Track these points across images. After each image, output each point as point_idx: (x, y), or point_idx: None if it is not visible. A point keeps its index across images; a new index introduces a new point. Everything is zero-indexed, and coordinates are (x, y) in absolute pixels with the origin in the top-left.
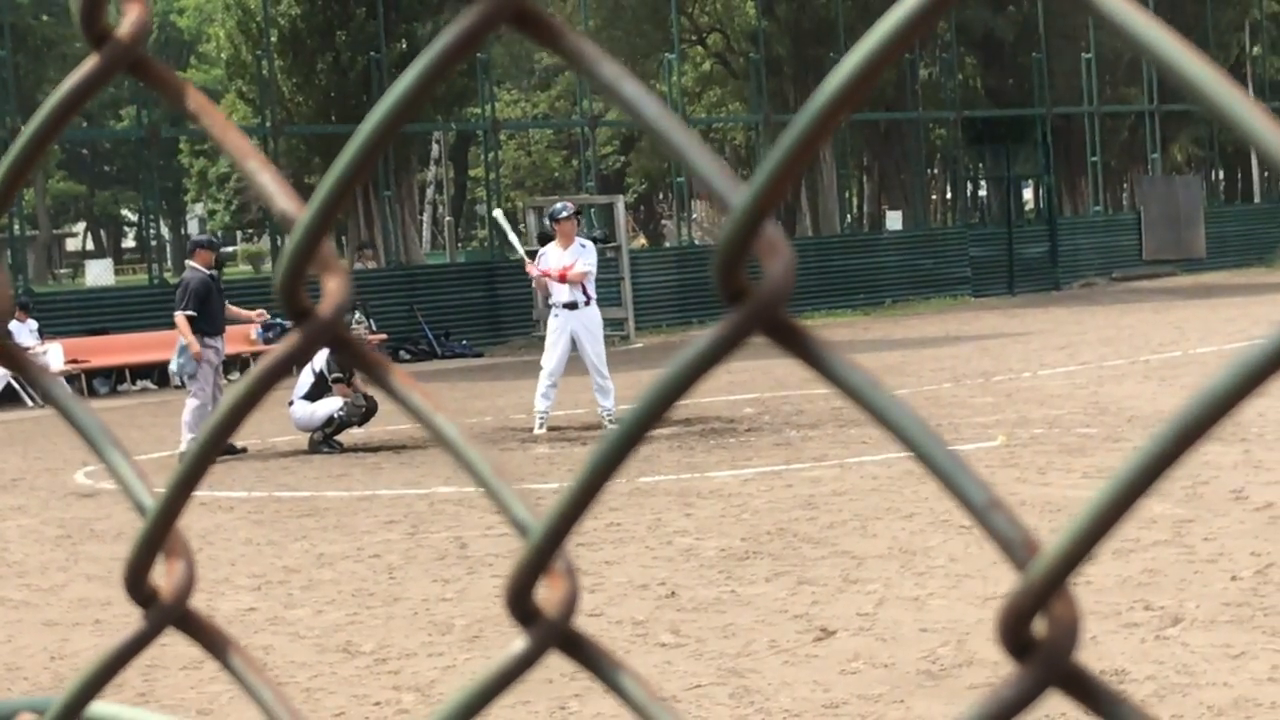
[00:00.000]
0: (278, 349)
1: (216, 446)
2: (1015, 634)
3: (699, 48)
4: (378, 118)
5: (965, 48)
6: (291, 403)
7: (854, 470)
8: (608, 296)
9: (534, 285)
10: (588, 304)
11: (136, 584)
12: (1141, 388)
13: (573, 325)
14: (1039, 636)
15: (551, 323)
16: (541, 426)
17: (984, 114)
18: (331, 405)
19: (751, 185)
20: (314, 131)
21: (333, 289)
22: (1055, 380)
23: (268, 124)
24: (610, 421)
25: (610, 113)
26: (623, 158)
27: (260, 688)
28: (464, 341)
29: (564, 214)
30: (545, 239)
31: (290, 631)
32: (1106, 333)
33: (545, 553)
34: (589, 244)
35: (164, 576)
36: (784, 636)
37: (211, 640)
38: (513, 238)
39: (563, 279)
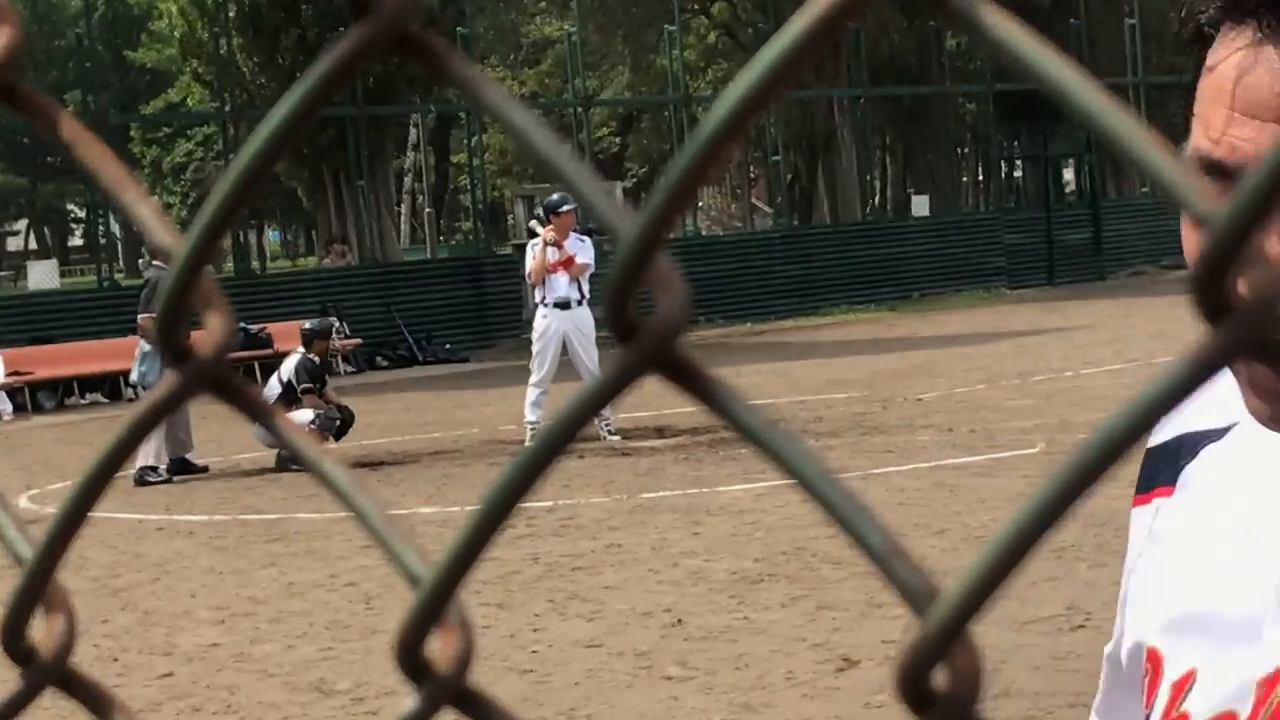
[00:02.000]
0: (153, 394)
1: (91, 501)
2: (914, 687)
3: (703, 18)
4: (245, 160)
5: None
6: None
7: (878, 482)
8: (604, 294)
9: (531, 277)
10: (581, 303)
11: (13, 640)
12: None
13: (565, 326)
14: (939, 689)
15: (539, 324)
16: (533, 439)
17: (1018, 87)
18: (301, 418)
19: (640, 216)
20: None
21: (215, 327)
22: (1100, 380)
23: (226, 108)
24: (609, 433)
25: (606, 90)
26: (620, 139)
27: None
28: (447, 345)
29: (564, 207)
30: (531, 233)
31: (258, 669)
32: (1157, 327)
33: (437, 604)
34: (587, 238)
35: (43, 632)
36: (802, 667)
37: (96, 702)
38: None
39: (567, 267)
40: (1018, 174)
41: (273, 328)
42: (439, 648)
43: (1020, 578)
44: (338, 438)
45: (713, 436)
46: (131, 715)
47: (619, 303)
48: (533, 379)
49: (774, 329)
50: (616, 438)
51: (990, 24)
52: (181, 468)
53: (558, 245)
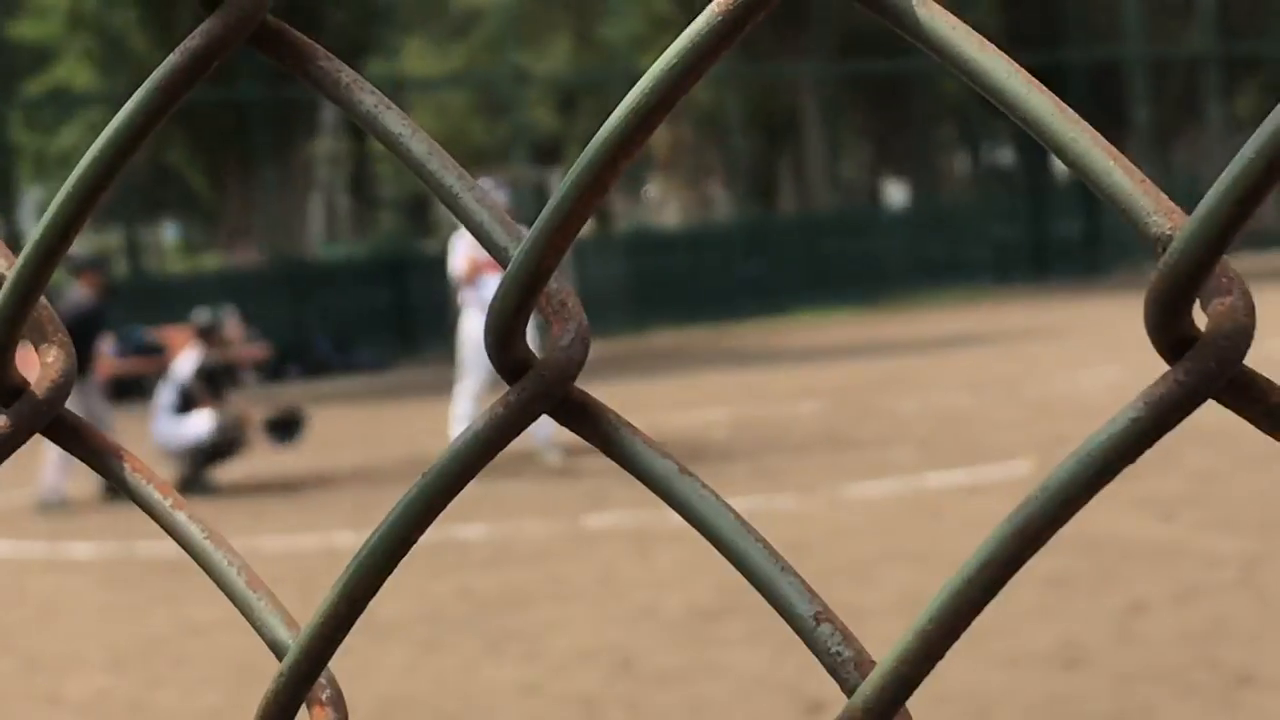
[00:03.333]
0: None
1: None
2: None
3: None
4: (89, 161)
5: None
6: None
7: (850, 504)
8: None
9: (459, 277)
10: None
11: None
12: None
13: None
14: None
15: (467, 327)
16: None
17: None
18: (200, 425)
19: (526, 242)
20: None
21: (50, 363)
22: (1097, 389)
23: (118, 89)
24: (551, 454)
25: (544, 65)
26: (560, 120)
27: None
28: (367, 353)
29: (496, 195)
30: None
31: (154, 718)
32: None
33: (301, 683)
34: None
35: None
36: (766, 712)
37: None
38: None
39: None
40: (1005, 158)
41: (173, 333)
42: None
43: (1007, 607)
44: (287, 439)
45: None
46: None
47: (504, 337)
48: (460, 388)
49: (734, 332)
50: (555, 456)
51: (922, 16)
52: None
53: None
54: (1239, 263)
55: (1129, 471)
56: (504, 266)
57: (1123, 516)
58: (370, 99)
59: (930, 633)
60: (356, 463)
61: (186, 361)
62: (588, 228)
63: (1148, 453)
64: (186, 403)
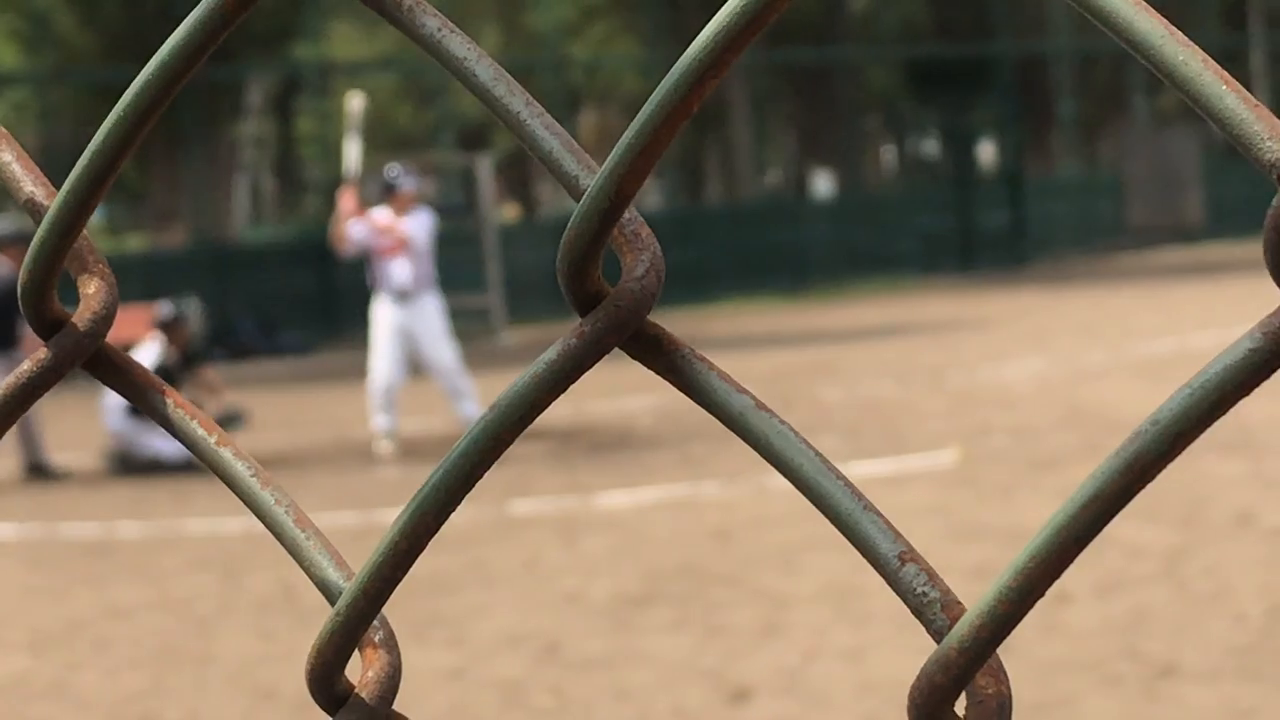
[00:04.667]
0: (21, 369)
1: None
2: (931, 717)
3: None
4: (143, 81)
5: None
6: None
7: (775, 493)
8: (469, 280)
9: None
10: (421, 292)
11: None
12: (1127, 387)
13: (404, 321)
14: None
15: (377, 311)
16: (387, 446)
17: (932, 52)
18: (165, 446)
19: (606, 165)
20: (101, 78)
21: (92, 294)
22: (1022, 379)
23: (43, 68)
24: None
25: None
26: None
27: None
28: (292, 336)
29: (402, 183)
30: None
31: (76, 700)
32: (1084, 320)
33: (356, 624)
34: (425, 213)
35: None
36: (691, 699)
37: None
38: (351, 142)
39: (397, 250)
40: (931, 149)
41: None
42: (360, 671)
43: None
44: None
45: (592, 439)
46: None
47: (578, 268)
48: (372, 375)
49: (660, 320)
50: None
51: None
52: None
53: (383, 228)
54: (1166, 256)
55: (1052, 461)
56: (574, 196)
57: (1046, 508)
58: (433, 22)
59: (1031, 570)
60: (280, 446)
61: (144, 357)
62: (514, 213)
63: (1074, 443)
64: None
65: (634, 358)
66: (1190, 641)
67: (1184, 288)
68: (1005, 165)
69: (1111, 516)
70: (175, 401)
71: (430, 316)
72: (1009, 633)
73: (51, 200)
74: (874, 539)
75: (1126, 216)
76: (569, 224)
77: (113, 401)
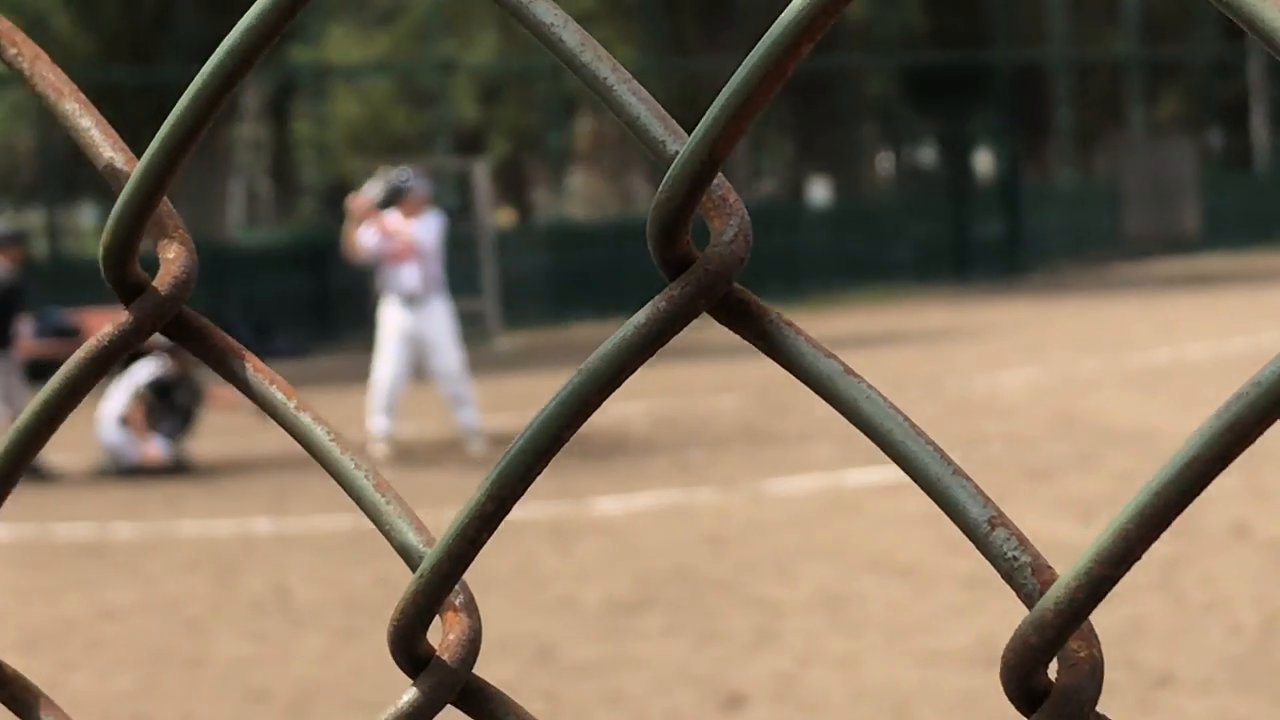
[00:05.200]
0: (102, 332)
1: (20, 462)
2: (1024, 681)
3: None
4: (229, 46)
5: None
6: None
7: (770, 499)
8: (464, 285)
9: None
10: (431, 297)
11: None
12: (1121, 398)
13: (412, 327)
14: (1053, 683)
15: (383, 316)
16: (382, 449)
17: (930, 60)
18: (153, 450)
19: (699, 128)
20: (99, 80)
21: (172, 259)
22: (1016, 388)
23: None
24: (474, 443)
25: (467, 55)
26: (484, 111)
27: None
28: (286, 339)
29: (411, 188)
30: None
31: (68, 700)
32: (1078, 330)
33: (439, 587)
34: (436, 219)
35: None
36: (684, 705)
37: (18, 694)
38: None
39: (406, 256)
40: (928, 158)
41: (91, 316)
42: (440, 635)
43: (926, 605)
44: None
45: (586, 444)
46: (57, 709)
47: (668, 232)
48: (376, 377)
49: None
50: (479, 445)
51: None
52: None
53: (392, 231)
54: (1161, 266)
55: (1046, 470)
56: (664, 161)
57: (1043, 517)
58: None
59: (1130, 532)
60: (274, 450)
61: (141, 372)
62: (509, 218)
63: (1068, 453)
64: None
65: (721, 322)
66: (1185, 652)
67: (1180, 298)
68: (1001, 174)
69: (1211, 479)
70: (254, 366)
71: (439, 321)
72: (1105, 595)
73: (130, 166)
74: (964, 504)
75: (1122, 226)
76: (659, 188)
77: (107, 412)
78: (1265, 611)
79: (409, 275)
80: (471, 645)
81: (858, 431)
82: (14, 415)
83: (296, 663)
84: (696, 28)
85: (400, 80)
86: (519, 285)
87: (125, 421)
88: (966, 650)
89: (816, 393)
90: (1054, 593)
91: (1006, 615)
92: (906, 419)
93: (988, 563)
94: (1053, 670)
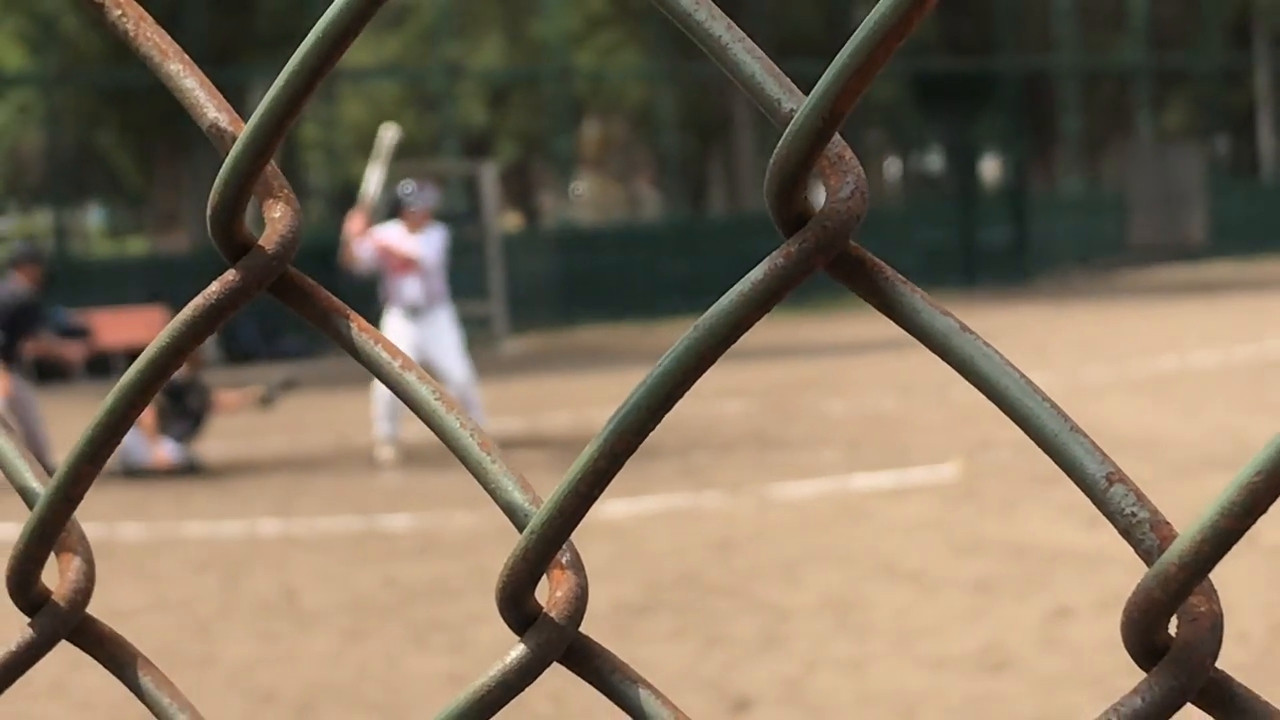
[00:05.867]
0: (210, 290)
1: (128, 417)
2: (1146, 636)
3: None
4: (335, 12)
5: None
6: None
7: (777, 503)
8: (472, 288)
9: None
10: (434, 305)
11: (24, 585)
12: (1128, 403)
13: (416, 337)
14: (1173, 638)
15: (388, 325)
16: (388, 452)
17: (937, 67)
18: (164, 453)
19: (819, 87)
20: (107, 81)
21: (278, 218)
22: None
23: (48, 70)
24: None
25: (474, 58)
26: (491, 115)
27: (176, 713)
28: (294, 341)
29: (415, 201)
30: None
31: (77, 701)
32: (1085, 336)
33: (550, 543)
34: (438, 229)
35: (57, 576)
36: (691, 708)
37: (115, 654)
38: (374, 169)
39: (408, 268)
40: (935, 164)
41: (98, 318)
42: (548, 593)
43: (933, 610)
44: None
45: None
46: (157, 671)
47: (789, 188)
48: (376, 384)
49: (662, 329)
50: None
51: None
52: (132, 420)
53: (387, 249)
54: (1168, 274)
55: (1054, 476)
56: (778, 120)
57: (1048, 523)
58: None
59: (1257, 485)
60: (282, 451)
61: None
62: (516, 222)
63: None
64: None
65: (836, 279)
66: None
67: (1185, 305)
68: (1008, 181)
69: None
70: (359, 326)
71: (443, 330)
72: (1229, 548)
73: (235, 127)
74: (1081, 460)
75: (1129, 234)
76: (778, 145)
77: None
78: (1272, 619)
79: (411, 287)
80: (579, 602)
81: (864, 437)
82: (28, 435)
83: (304, 663)
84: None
85: (408, 84)
86: (526, 289)
87: (137, 422)
88: (973, 655)
89: (931, 349)
90: (1179, 546)
91: (1013, 622)
92: (1024, 376)
93: (995, 568)
94: (1173, 628)
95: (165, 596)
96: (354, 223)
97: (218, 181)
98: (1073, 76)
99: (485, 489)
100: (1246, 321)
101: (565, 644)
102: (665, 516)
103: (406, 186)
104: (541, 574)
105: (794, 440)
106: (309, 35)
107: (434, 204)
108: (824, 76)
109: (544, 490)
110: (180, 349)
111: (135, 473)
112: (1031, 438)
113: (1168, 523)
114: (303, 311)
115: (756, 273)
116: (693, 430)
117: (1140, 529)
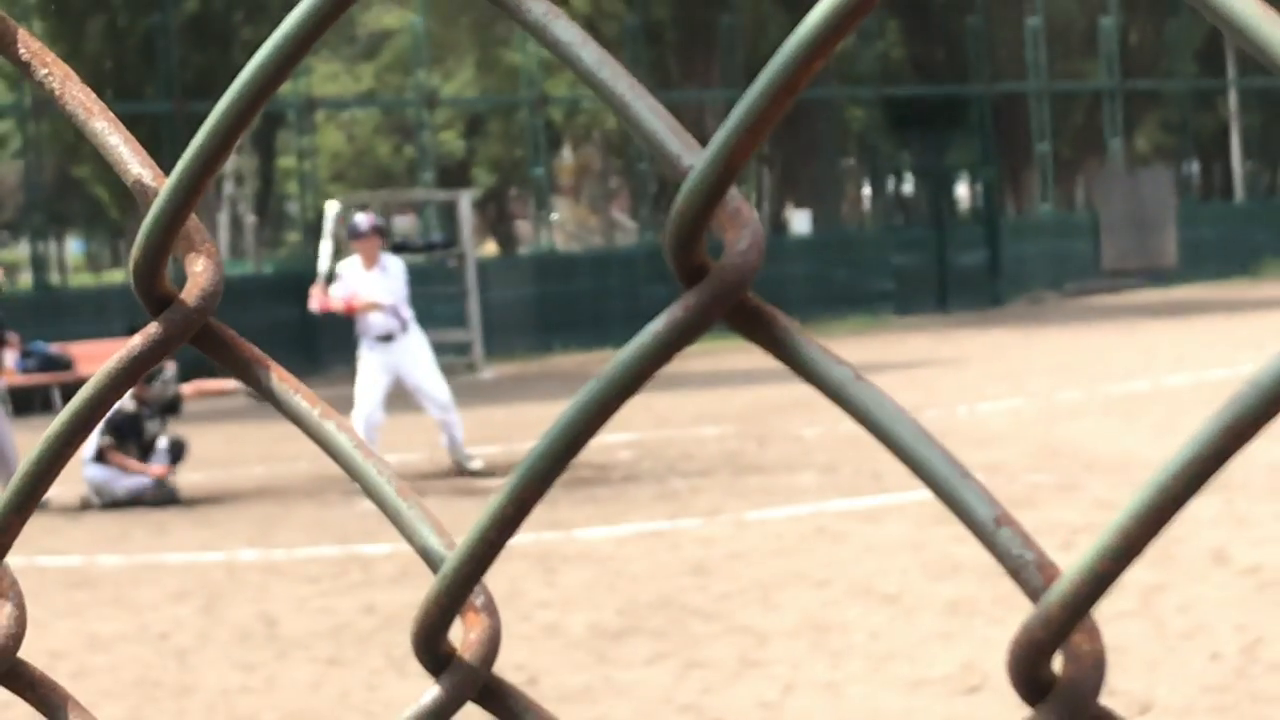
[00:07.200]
0: (132, 343)
1: (54, 467)
2: (1031, 673)
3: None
4: (261, 60)
5: (887, 10)
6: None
7: (753, 528)
8: (449, 316)
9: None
10: (405, 331)
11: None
12: (1101, 425)
13: (390, 361)
14: (1058, 676)
15: (363, 358)
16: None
17: (910, 92)
18: (139, 481)
19: (714, 143)
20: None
21: (200, 272)
22: (997, 417)
23: (26, 102)
24: (470, 467)
25: (449, 87)
26: (467, 144)
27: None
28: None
29: (363, 230)
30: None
31: None
32: (1058, 359)
33: (462, 587)
34: (395, 259)
35: None
36: None
37: (47, 697)
38: (324, 244)
39: (350, 311)
40: (908, 188)
41: (76, 349)
42: (461, 635)
43: (909, 632)
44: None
45: (571, 473)
46: (87, 713)
47: (687, 241)
48: (354, 413)
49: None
50: (478, 462)
51: None
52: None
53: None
54: (1140, 296)
55: (1027, 499)
56: (679, 175)
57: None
58: (539, 7)
59: (1131, 530)
60: (260, 480)
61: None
62: (492, 250)
63: (1049, 481)
64: (102, 454)
65: (735, 329)
66: (1165, 679)
67: (1158, 328)
68: (981, 205)
69: (1208, 477)
70: (279, 375)
71: (416, 352)
72: (1107, 590)
73: (158, 182)
74: (971, 504)
75: (1101, 257)
76: (677, 199)
77: (84, 452)
78: (1245, 639)
79: (377, 320)
80: (492, 644)
81: (840, 461)
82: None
83: (284, 692)
84: (678, 60)
85: (384, 112)
86: (503, 316)
87: (101, 457)
88: (950, 677)
89: (829, 398)
90: (1059, 588)
91: (989, 642)
92: (916, 423)
93: (970, 589)
94: (1057, 665)
95: (145, 626)
96: (315, 300)
97: (139, 236)
98: (1044, 101)
99: (401, 534)
100: (1219, 343)
101: (479, 685)
102: (643, 541)
103: (355, 220)
104: (454, 617)
105: (770, 464)
106: (230, 89)
107: (370, 226)
108: (718, 134)
109: (535, 518)
110: (103, 401)
111: (111, 504)
112: (924, 483)
113: (1054, 564)
114: (224, 361)
115: (656, 324)
116: (669, 455)
117: (1027, 570)
